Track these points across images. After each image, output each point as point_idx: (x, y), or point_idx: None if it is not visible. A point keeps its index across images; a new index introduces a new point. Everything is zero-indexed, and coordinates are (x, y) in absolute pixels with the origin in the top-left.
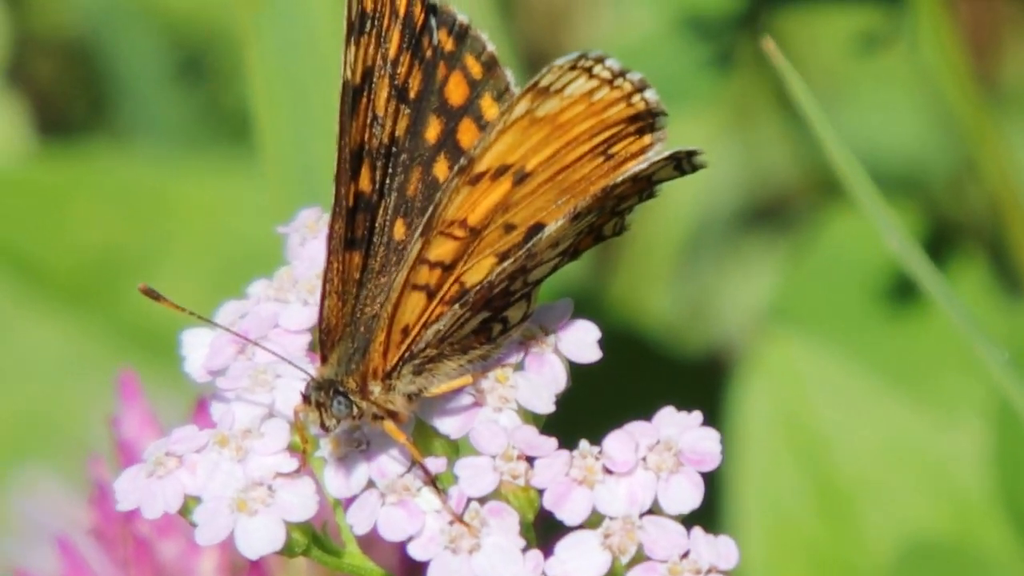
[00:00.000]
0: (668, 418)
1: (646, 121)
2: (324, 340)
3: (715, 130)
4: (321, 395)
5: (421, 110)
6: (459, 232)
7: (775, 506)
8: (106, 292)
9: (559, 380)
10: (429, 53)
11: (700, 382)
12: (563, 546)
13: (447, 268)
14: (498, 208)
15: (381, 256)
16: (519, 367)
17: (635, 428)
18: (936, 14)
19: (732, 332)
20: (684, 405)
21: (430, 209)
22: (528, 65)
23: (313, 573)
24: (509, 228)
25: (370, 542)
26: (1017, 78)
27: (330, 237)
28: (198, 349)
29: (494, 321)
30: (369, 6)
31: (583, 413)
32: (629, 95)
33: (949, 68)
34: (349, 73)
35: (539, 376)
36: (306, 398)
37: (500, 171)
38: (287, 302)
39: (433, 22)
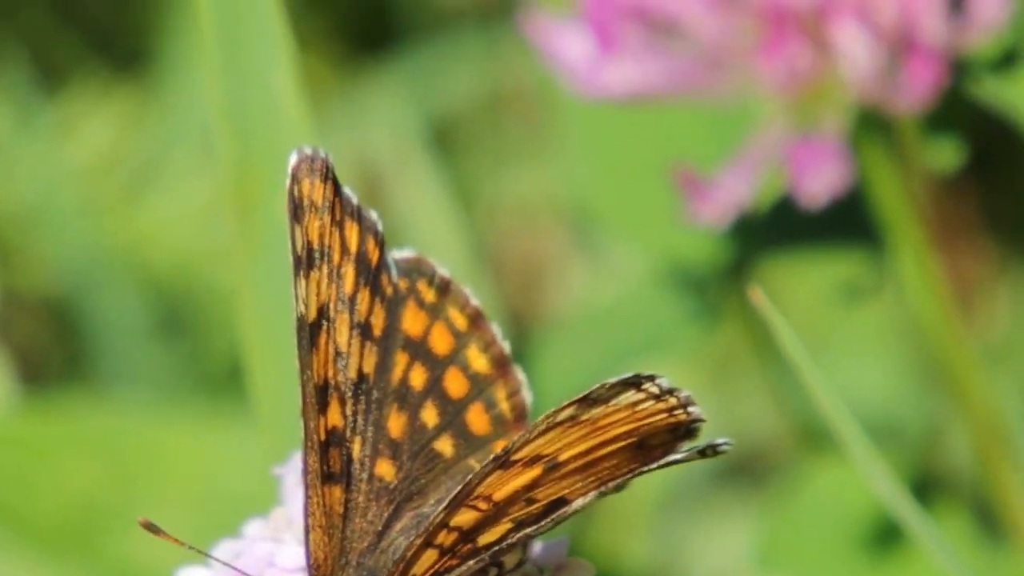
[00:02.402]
0: None
1: (684, 428)
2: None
3: (693, 382)
4: None
5: (389, 348)
6: (483, 505)
7: None
8: (89, 542)
9: None
10: (390, 291)
11: None
12: None
13: (465, 533)
14: (525, 488)
15: (364, 492)
16: None
17: None
18: (923, 259)
19: None
20: None
21: (459, 487)
22: (503, 323)
23: None
24: (531, 501)
25: None
26: (993, 333)
27: (305, 472)
28: None
29: (491, 566)
30: (315, 240)
31: None
32: (672, 408)
33: (936, 312)
34: (303, 308)
35: None
36: None
37: (534, 459)
38: (283, 541)
39: (390, 259)
